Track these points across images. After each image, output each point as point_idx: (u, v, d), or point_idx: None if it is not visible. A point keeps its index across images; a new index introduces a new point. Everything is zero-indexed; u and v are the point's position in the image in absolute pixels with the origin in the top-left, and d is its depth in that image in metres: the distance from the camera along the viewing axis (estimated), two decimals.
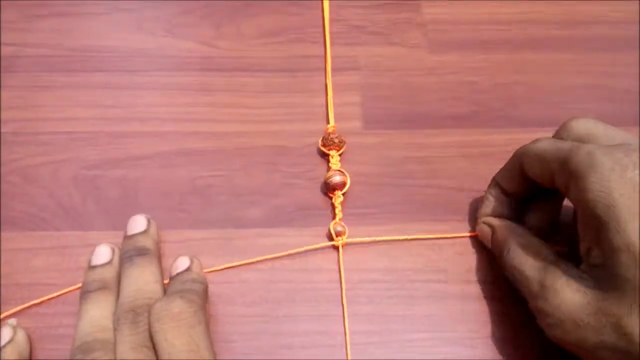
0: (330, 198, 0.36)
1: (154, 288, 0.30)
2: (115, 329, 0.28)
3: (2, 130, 0.39)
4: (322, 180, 0.37)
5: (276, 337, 0.32)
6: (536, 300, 0.28)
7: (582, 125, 0.31)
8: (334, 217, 0.36)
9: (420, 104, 0.41)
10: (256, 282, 0.33)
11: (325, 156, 0.38)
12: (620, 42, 0.43)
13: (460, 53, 0.43)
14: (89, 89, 0.42)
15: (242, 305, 0.33)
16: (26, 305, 0.33)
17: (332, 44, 0.44)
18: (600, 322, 0.26)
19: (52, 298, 0.33)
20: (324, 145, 0.38)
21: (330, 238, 0.35)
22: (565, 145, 0.29)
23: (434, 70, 0.42)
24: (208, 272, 0.33)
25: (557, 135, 0.32)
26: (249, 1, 0.46)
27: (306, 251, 0.34)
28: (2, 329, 0.30)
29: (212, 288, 0.32)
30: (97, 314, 0.29)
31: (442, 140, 0.39)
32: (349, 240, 0.35)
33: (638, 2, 0.45)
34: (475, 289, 0.34)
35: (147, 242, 0.32)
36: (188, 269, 0.31)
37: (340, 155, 0.38)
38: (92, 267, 0.32)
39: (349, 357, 0.31)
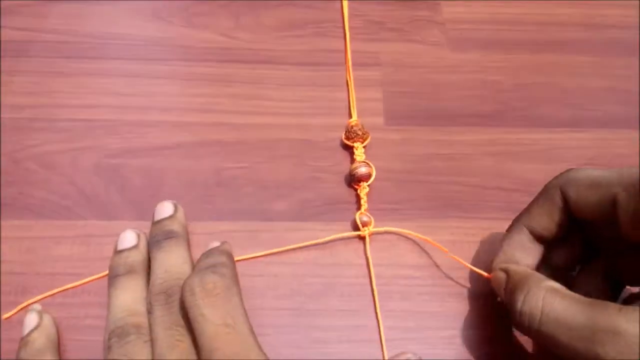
0: (356, 190, 0.36)
1: (184, 269, 0.30)
2: (149, 313, 0.28)
3: (18, 116, 0.38)
4: (347, 174, 0.37)
5: (309, 331, 0.31)
6: (589, 347, 0.24)
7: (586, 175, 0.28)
8: (359, 208, 0.36)
9: (442, 102, 0.41)
10: (286, 275, 0.33)
11: (349, 149, 0.38)
12: None
13: (481, 52, 0.43)
14: (105, 77, 0.41)
15: (273, 299, 0.32)
16: (48, 294, 0.32)
17: (352, 39, 0.43)
18: None
19: (76, 286, 0.32)
20: (347, 138, 0.38)
21: (356, 228, 0.35)
22: (624, 169, 0.26)
23: (456, 68, 0.42)
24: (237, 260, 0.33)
25: (550, 186, 0.30)
26: None
27: (335, 244, 0.34)
28: (27, 315, 0.30)
29: (242, 280, 0.32)
30: (128, 299, 0.29)
31: (466, 138, 0.39)
32: (375, 230, 0.35)
33: None
34: None
35: (175, 226, 0.32)
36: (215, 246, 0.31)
37: (364, 147, 0.38)
38: (118, 252, 0.31)
39: (385, 352, 0.31)
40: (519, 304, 0.27)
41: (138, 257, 0.31)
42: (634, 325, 0.23)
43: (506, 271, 0.29)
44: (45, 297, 0.32)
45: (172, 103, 0.40)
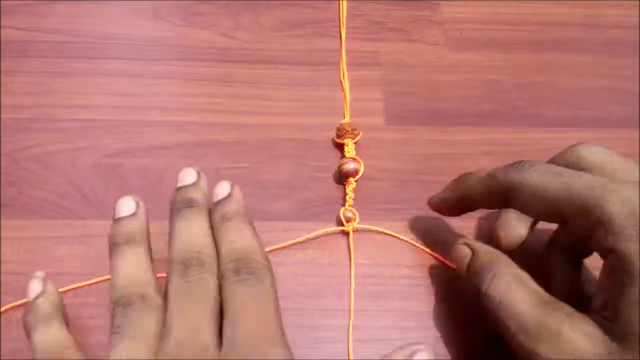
0: (344, 185, 0.36)
1: (205, 242, 0.29)
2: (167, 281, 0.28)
3: (18, 116, 0.38)
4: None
5: (310, 331, 0.31)
6: (531, 342, 0.25)
7: (596, 156, 0.28)
8: (343, 204, 0.36)
9: (442, 101, 0.41)
10: (285, 275, 0.33)
11: (340, 147, 0.38)
12: None
13: (481, 52, 0.43)
14: (105, 77, 0.41)
15: None
16: None
17: (352, 39, 0.44)
18: None
19: (77, 288, 0.32)
20: (338, 137, 0.38)
21: (341, 224, 0.35)
22: (576, 184, 0.26)
23: (455, 68, 0.42)
24: None
25: (562, 160, 0.29)
26: None
27: (333, 244, 0.34)
28: (30, 282, 0.29)
29: None
30: (129, 269, 0.28)
31: (465, 138, 0.39)
32: (359, 226, 0.35)
33: None
34: None
35: (196, 194, 0.30)
36: (229, 195, 0.30)
37: (355, 143, 0.38)
38: (116, 220, 0.30)
39: (350, 352, 0.31)
40: (484, 286, 0.27)
41: (137, 225, 0.30)
42: (577, 335, 0.24)
43: (472, 248, 0.29)
44: None
45: (171, 103, 0.40)
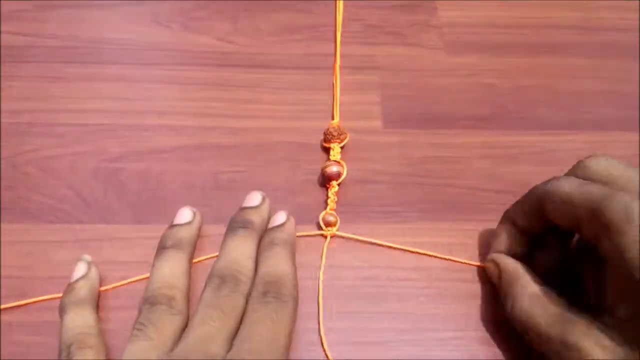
0: (327, 188, 0.37)
1: (246, 264, 0.31)
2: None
3: (17, 121, 0.38)
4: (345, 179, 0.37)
5: (303, 334, 0.31)
6: (556, 357, 0.27)
7: (601, 166, 0.29)
8: (325, 207, 0.36)
9: (439, 105, 0.41)
10: None
11: (327, 151, 0.38)
12: (637, 49, 0.44)
13: (478, 55, 0.43)
14: (103, 81, 0.41)
15: None
16: (47, 297, 0.32)
17: (349, 43, 0.44)
18: None
19: None
20: (325, 141, 0.38)
21: (320, 229, 0.35)
22: (595, 190, 0.27)
23: (453, 71, 0.43)
24: None
25: (574, 175, 0.30)
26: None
27: (332, 247, 0.34)
28: (77, 263, 0.32)
29: None
30: (167, 271, 0.30)
31: (462, 141, 0.39)
32: (338, 233, 0.35)
33: None
34: None
35: (254, 217, 0.33)
36: (282, 224, 0.33)
37: (342, 147, 0.38)
38: (171, 226, 0.33)
39: (327, 354, 0.31)
40: (508, 308, 0.30)
41: (188, 234, 0.32)
42: (597, 349, 0.25)
43: (497, 264, 0.32)
44: (45, 300, 0.32)
45: (169, 107, 0.40)
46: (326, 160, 0.37)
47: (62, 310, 0.30)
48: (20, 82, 0.40)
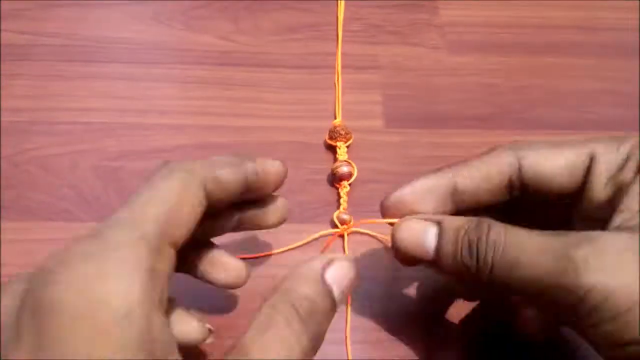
0: (337, 189, 0.37)
1: None
2: None
3: (18, 119, 0.38)
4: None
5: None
6: (569, 279, 0.21)
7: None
8: (338, 207, 0.36)
9: (440, 104, 0.41)
10: None
11: (332, 149, 0.38)
12: (637, 49, 0.44)
13: (479, 55, 0.43)
14: (105, 80, 0.41)
15: None
16: None
17: (351, 42, 0.44)
18: None
19: None
20: (330, 139, 0.38)
21: (335, 227, 0.35)
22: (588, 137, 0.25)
23: (454, 71, 0.43)
24: None
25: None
26: None
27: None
28: None
29: None
30: None
31: (463, 141, 0.39)
32: (354, 229, 0.35)
33: None
34: None
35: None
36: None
37: (348, 147, 0.38)
38: None
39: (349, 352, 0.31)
40: (486, 268, 0.23)
41: None
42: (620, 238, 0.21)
43: (441, 224, 0.25)
44: None
45: (170, 106, 0.40)
46: (334, 161, 0.37)
47: None
48: (22, 81, 0.40)
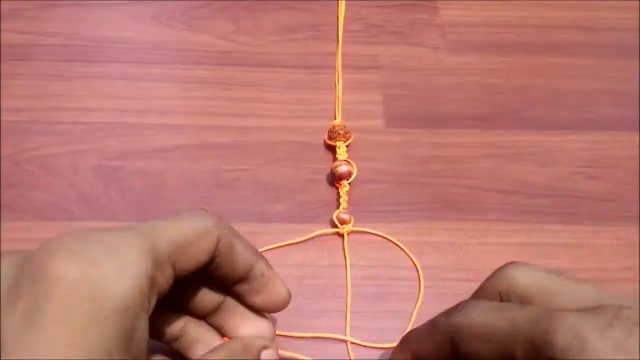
0: (337, 188, 0.37)
1: None
2: None
3: (18, 119, 0.38)
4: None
5: (309, 331, 0.31)
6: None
7: (529, 279, 0.23)
8: (338, 207, 0.36)
9: (441, 104, 0.41)
10: (284, 277, 0.33)
11: (332, 149, 0.38)
12: (637, 49, 0.44)
13: (479, 55, 0.43)
14: (105, 80, 0.41)
15: None
16: None
17: (351, 42, 0.44)
18: None
19: None
20: (330, 138, 0.38)
21: (334, 227, 0.35)
22: (520, 316, 0.21)
23: (454, 71, 0.43)
24: None
25: (490, 288, 0.25)
26: None
27: (333, 246, 0.34)
28: None
29: None
30: None
31: (464, 140, 0.39)
32: (354, 228, 0.35)
33: None
34: None
35: None
36: None
37: (347, 146, 0.38)
38: None
39: (350, 353, 0.31)
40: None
41: None
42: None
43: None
44: None
45: (171, 106, 0.40)
46: (334, 160, 0.37)
47: None
48: (22, 81, 0.40)
